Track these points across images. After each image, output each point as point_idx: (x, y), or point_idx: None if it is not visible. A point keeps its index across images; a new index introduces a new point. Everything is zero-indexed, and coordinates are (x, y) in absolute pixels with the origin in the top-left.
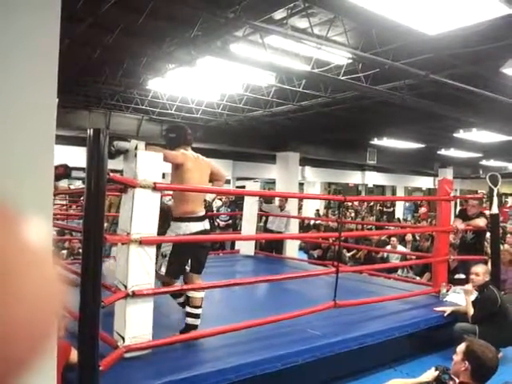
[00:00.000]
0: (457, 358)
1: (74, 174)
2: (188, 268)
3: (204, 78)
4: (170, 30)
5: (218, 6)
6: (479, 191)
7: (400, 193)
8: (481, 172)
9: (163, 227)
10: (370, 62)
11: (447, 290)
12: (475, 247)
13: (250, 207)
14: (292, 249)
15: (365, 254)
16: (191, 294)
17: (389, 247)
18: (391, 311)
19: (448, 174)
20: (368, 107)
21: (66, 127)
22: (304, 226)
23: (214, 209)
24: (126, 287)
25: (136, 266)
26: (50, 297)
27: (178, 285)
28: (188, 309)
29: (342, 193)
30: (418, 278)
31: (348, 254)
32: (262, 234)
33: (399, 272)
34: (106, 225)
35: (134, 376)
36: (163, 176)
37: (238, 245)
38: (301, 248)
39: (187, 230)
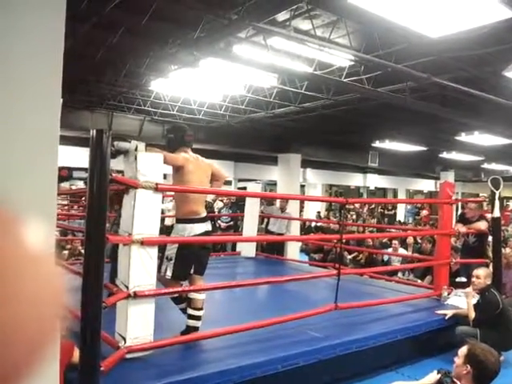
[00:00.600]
0: (458, 361)
1: (76, 174)
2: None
3: (206, 79)
4: (173, 31)
5: (221, 8)
6: (481, 194)
7: (401, 195)
8: (482, 175)
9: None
10: (373, 65)
11: (448, 293)
12: (477, 250)
13: (252, 209)
14: (293, 251)
15: (366, 256)
16: (192, 295)
17: (390, 250)
18: (392, 314)
19: (450, 176)
20: (370, 109)
21: (67, 127)
22: (305, 228)
23: (216, 210)
24: (127, 288)
25: (138, 267)
26: (49, 299)
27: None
28: (189, 311)
29: (343, 195)
30: (419, 280)
31: (349, 257)
32: (263, 235)
33: (399, 274)
34: (107, 225)
35: (136, 377)
36: (164, 177)
37: (239, 246)
38: (302, 250)
39: (192, 231)
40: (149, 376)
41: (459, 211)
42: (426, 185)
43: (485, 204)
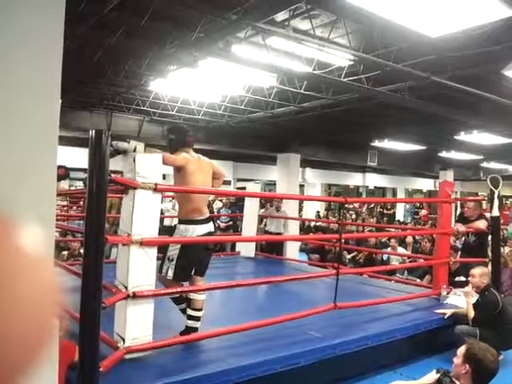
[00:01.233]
0: (457, 360)
1: (75, 174)
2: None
3: (206, 79)
4: (172, 32)
5: (220, 8)
6: (480, 193)
7: (401, 195)
8: (481, 174)
9: None
10: (372, 64)
11: (448, 293)
12: (478, 249)
13: (251, 209)
14: (292, 251)
15: (365, 255)
16: (192, 296)
17: (389, 249)
18: (392, 313)
19: (449, 176)
20: (369, 109)
21: (66, 128)
22: (304, 228)
23: (215, 210)
24: (126, 288)
25: (137, 267)
26: (45, 301)
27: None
28: (189, 311)
29: (342, 194)
30: (418, 280)
31: (348, 256)
32: (262, 235)
33: (398, 274)
34: (106, 226)
35: (135, 377)
36: (163, 177)
37: (239, 246)
38: (301, 250)
39: (194, 232)
40: (148, 376)
41: (458, 210)
42: (425, 184)
43: (484, 203)
